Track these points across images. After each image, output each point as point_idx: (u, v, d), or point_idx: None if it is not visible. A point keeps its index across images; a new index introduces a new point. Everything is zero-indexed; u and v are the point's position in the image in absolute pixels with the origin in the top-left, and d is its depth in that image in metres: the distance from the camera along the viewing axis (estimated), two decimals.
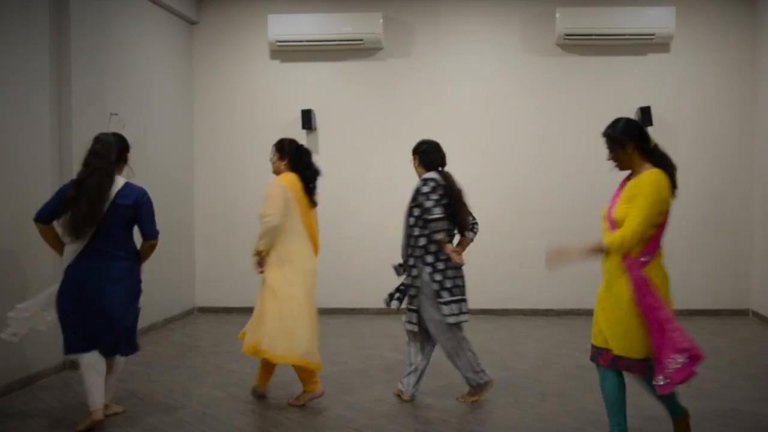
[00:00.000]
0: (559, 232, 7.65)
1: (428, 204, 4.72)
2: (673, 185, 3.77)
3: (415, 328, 4.88)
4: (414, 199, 4.90)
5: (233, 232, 8.31)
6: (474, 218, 4.96)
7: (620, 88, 7.99)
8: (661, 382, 3.52)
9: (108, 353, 4.40)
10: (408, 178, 8.13)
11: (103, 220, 4.26)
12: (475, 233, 4.96)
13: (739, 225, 7.99)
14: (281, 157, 4.93)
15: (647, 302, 3.68)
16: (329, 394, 5.05)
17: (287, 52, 8.18)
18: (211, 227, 8.32)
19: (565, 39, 7.78)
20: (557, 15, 7.69)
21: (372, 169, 8.11)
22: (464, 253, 4.91)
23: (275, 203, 4.69)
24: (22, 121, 5.29)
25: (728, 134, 7.98)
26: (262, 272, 4.85)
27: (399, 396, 4.94)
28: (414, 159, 5.07)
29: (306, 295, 4.76)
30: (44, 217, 4.35)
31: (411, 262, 4.86)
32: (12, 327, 4.52)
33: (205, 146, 8.35)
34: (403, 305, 4.99)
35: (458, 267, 4.78)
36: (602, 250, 3.69)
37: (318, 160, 8.05)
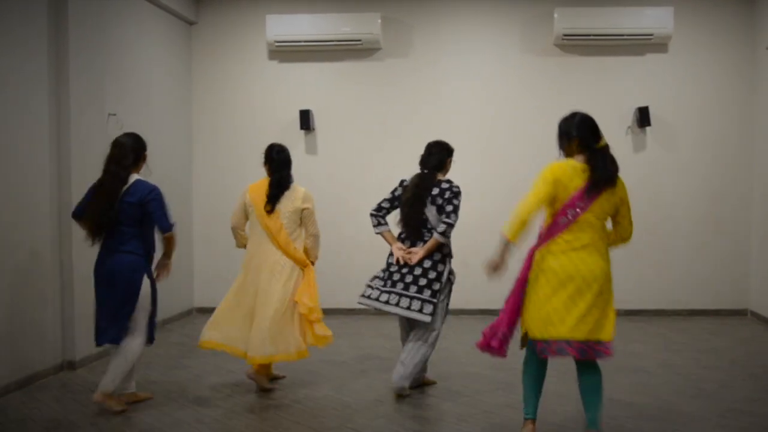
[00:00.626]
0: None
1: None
2: (597, 185, 3.79)
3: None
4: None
5: (231, 232, 8.29)
6: (448, 221, 4.90)
7: (619, 89, 7.99)
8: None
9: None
10: (406, 177, 8.14)
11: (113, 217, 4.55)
12: (442, 233, 4.89)
13: (738, 225, 7.99)
14: (264, 163, 5.19)
15: (522, 274, 3.90)
16: (328, 394, 5.05)
17: (285, 52, 8.18)
18: (210, 227, 8.31)
19: (563, 39, 7.78)
20: (555, 15, 7.69)
21: (371, 169, 8.10)
22: (464, 254, 4.93)
23: (234, 206, 5.23)
24: (21, 121, 5.29)
25: (727, 134, 7.98)
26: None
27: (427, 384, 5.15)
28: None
29: (238, 288, 5.16)
30: (76, 214, 4.72)
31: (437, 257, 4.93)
32: None
33: (203, 146, 8.35)
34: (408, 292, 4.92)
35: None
36: (506, 244, 3.79)
37: (317, 160, 8.16)
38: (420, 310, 4.77)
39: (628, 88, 7.98)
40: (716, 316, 7.91)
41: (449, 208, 4.88)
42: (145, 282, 4.63)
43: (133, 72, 6.94)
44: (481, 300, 7.54)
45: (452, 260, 5.05)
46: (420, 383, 5.16)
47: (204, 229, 8.33)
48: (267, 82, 8.27)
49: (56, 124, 5.68)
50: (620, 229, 4.01)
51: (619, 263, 7.98)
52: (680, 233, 8.04)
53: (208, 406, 4.80)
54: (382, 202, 5.17)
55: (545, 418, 4.28)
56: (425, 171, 5.08)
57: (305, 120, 8.04)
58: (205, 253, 8.34)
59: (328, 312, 7.74)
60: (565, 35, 7.73)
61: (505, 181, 7.97)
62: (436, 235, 4.85)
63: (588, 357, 3.77)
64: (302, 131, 8.13)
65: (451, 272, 5.00)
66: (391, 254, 5.04)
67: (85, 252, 5.81)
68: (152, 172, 4.87)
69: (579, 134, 3.88)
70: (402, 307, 4.82)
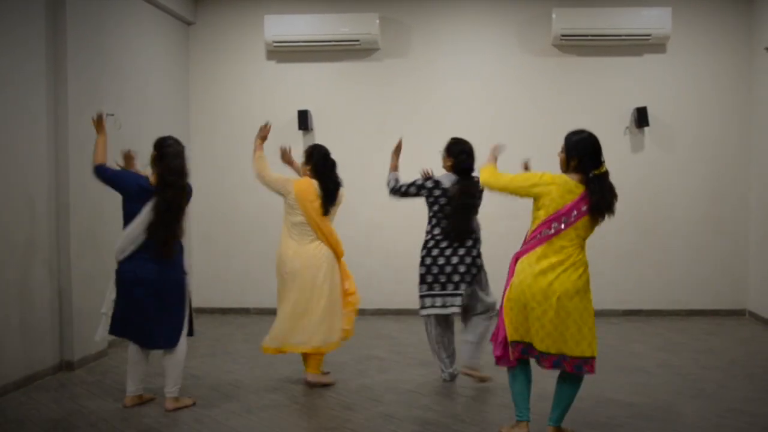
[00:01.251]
0: None
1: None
2: (595, 211, 3.86)
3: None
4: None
5: (230, 232, 8.31)
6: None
7: (617, 89, 7.99)
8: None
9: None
10: (405, 177, 8.13)
11: None
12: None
13: (737, 225, 7.99)
14: (306, 162, 5.27)
15: (507, 280, 4.00)
16: (327, 395, 5.05)
17: (284, 52, 8.17)
18: (208, 228, 8.30)
19: (561, 39, 7.78)
20: (553, 15, 7.69)
21: (370, 169, 8.09)
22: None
23: (277, 176, 5.24)
24: (19, 121, 5.28)
25: (725, 134, 7.98)
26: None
27: (471, 375, 5.16)
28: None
29: (282, 284, 5.21)
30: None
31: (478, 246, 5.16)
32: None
33: (201, 147, 8.34)
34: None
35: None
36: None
37: None
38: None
39: (627, 88, 7.98)
40: (715, 316, 7.91)
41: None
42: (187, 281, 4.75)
43: (131, 72, 6.94)
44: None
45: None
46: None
47: (202, 229, 8.32)
48: (265, 82, 8.26)
49: (54, 124, 5.67)
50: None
51: (618, 263, 8.10)
52: (679, 233, 8.04)
53: (206, 406, 4.80)
54: (410, 188, 5.34)
55: (543, 419, 4.27)
56: (471, 176, 5.20)
57: (303, 120, 8.03)
58: (204, 253, 8.32)
59: None
60: (564, 35, 7.73)
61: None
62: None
63: (563, 369, 3.86)
64: (300, 131, 8.12)
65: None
66: (428, 255, 5.14)
67: (83, 252, 5.83)
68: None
69: (578, 155, 3.90)
70: (458, 306, 5.07)
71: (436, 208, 5.20)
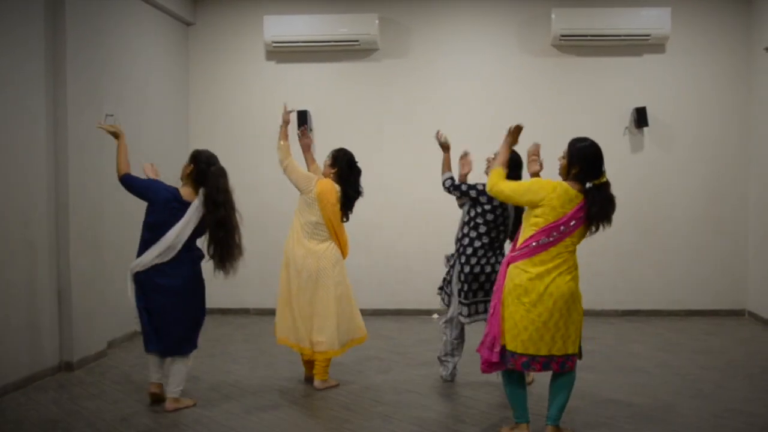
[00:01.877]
0: None
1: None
2: (591, 221, 3.91)
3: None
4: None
5: None
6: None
7: (616, 89, 8.00)
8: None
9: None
10: (403, 177, 8.16)
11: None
12: None
13: (736, 225, 8.00)
14: (332, 165, 5.27)
15: (497, 285, 4.01)
16: (326, 395, 5.05)
17: (283, 53, 8.17)
18: None
19: (560, 40, 7.78)
20: (553, 16, 7.69)
21: (369, 169, 8.02)
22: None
23: (302, 171, 5.21)
24: (18, 121, 5.28)
25: (725, 134, 7.99)
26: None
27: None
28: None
29: (286, 284, 5.21)
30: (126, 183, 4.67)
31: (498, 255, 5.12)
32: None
33: (200, 147, 8.29)
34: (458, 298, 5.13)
35: None
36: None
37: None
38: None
39: (626, 88, 7.99)
40: (714, 317, 7.91)
41: None
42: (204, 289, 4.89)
43: (130, 73, 6.94)
44: None
45: None
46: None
47: None
48: (265, 82, 8.27)
49: (53, 124, 5.67)
50: None
51: (617, 263, 8.10)
52: (678, 233, 8.04)
53: (206, 406, 4.80)
54: (465, 188, 5.25)
55: (542, 420, 4.27)
56: None
57: (303, 120, 8.02)
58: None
59: None
60: (563, 36, 7.73)
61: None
62: None
63: (551, 370, 3.91)
64: (301, 129, 8.11)
65: None
66: (469, 263, 5.04)
67: (82, 253, 5.83)
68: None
69: (579, 163, 3.91)
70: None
71: (473, 214, 5.10)
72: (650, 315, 8.00)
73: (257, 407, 4.80)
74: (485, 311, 5.01)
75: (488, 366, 3.99)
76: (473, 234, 5.05)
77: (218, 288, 8.39)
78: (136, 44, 7.08)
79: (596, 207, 3.85)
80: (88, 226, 5.91)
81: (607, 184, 3.91)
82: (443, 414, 4.65)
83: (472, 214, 5.08)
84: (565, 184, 3.91)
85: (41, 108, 5.54)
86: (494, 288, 4.08)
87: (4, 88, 5.15)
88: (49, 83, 5.62)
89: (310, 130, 8.15)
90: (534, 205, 3.90)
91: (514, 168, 4.85)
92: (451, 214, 7.71)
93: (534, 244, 3.85)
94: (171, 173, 7.74)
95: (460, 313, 5.07)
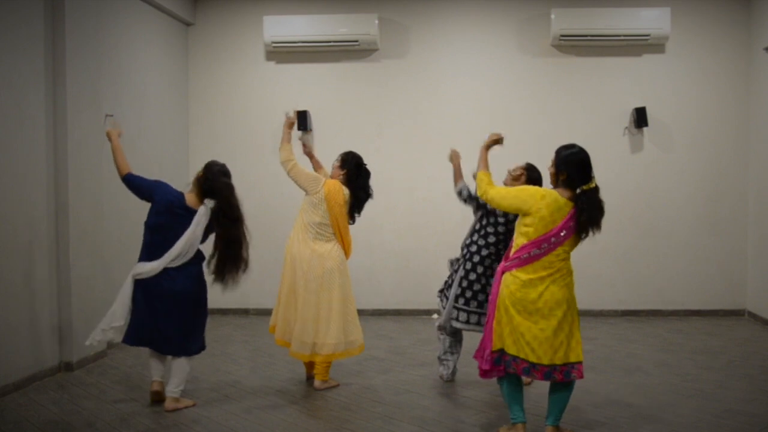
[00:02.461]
0: None
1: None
2: (582, 229, 3.90)
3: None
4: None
5: None
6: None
7: (616, 89, 8.00)
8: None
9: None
10: (403, 178, 8.16)
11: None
12: None
13: (735, 225, 8.00)
14: (341, 167, 5.27)
15: (492, 295, 4.02)
16: (325, 396, 5.05)
17: (283, 53, 8.17)
18: None
19: (560, 40, 7.79)
20: (552, 16, 7.69)
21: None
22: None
23: (308, 172, 5.22)
24: (17, 122, 5.28)
25: (724, 135, 7.99)
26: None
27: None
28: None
29: (289, 284, 5.16)
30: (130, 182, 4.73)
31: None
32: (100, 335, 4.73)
33: (200, 147, 8.33)
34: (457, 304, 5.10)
35: None
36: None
37: None
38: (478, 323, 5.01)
39: (625, 88, 7.99)
40: (713, 317, 7.92)
41: None
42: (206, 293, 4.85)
43: (129, 73, 6.94)
44: None
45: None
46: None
47: None
48: (264, 83, 8.27)
49: (53, 124, 5.66)
50: None
51: (616, 264, 8.09)
52: (677, 234, 8.05)
53: (205, 406, 4.80)
54: (483, 201, 5.11)
55: (541, 420, 4.28)
56: None
57: (302, 121, 8.03)
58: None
59: None
60: (562, 36, 7.73)
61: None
62: None
63: (554, 380, 3.88)
64: (299, 132, 8.13)
65: None
66: (474, 271, 5.02)
67: (82, 253, 5.83)
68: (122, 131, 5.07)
69: (567, 170, 3.89)
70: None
71: (485, 222, 5.05)
72: (650, 315, 8.00)
73: (257, 407, 4.80)
74: (478, 323, 4.97)
75: (483, 373, 4.02)
76: (482, 242, 5.02)
77: (217, 288, 8.41)
78: (136, 44, 7.08)
79: (585, 214, 3.83)
80: (87, 226, 5.91)
81: (595, 189, 3.89)
82: (443, 414, 4.65)
83: (484, 222, 5.05)
84: (555, 193, 3.89)
85: (41, 108, 5.54)
86: (489, 299, 4.09)
87: (4, 88, 5.14)
88: (48, 83, 5.62)
89: (310, 129, 8.16)
90: (523, 213, 3.90)
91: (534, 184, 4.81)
92: (450, 214, 7.74)
93: (525, 255, 3.86)
94: (171, 173, 7.78)
95: (455, 318, 5.04)
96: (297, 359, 5.34)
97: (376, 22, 7.80)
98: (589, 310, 7.76)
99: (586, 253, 8.10)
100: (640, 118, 7.82)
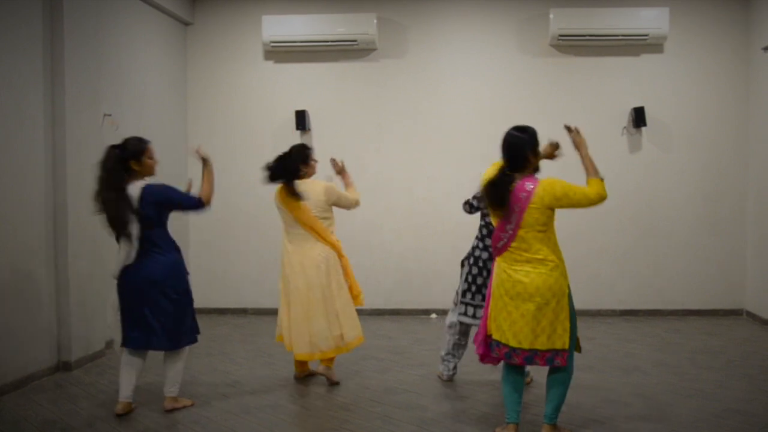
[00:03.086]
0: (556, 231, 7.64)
1: None
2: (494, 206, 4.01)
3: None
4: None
5: (227, 233, 8.31)
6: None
7: (614, 89, 8.00)
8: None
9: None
10: (402, 178, 8.16)
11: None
12: None
13: (734, 225, 8.01)
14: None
15: (490, 281, 4.09)
16: (325, 395, 5.05)
17: (281, 52, 8.17)
18: (206, 228, 8.30)
19: (559, 39, 7.79)
20: (551, 16, 7.69)
21: (367, 169, 8.09)
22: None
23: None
24: (16, 122, 5.27)
25: (723, 134, 7.99)
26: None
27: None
28: None
29: (284, 286, 5.21)
30: None
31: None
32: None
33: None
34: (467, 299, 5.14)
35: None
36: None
37: None
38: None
39: (624, 88, 7.99)
40: (712, 317, 7.92)
41: None
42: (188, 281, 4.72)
43: (128, 73, 6.93)
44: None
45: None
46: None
47: (200, 230, 8.32)
48: (263, 82, 8.26)
49: (51, 124, 5.66)
50: (584, 202, 3.91)
51: (615, 263, 8.09)
52: (676, 233, 8.05)
53: (204, 406, 4.79)
54: (476, 203, 5.21)
55: (536, 420, 4.27)
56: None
57: (301, 120, 8.03)
58: (201, 254, 8.32)
59: None
60: (561, 36, 7.73)
61: None
62: None
63: (536, 364, 3.90)
64: (298, 131, 8.13)
65: None
66: (476, 265, 5.07)
67: (80, 253, 5.83)
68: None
69: (503, 155, 4.02)
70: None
71: (482, 222, 5.14)
72: (648, 315, 8.01)
73: (255, 407, 4.79)
74: (473, 316, 5.05)
75: (480, 357, 4.07)
76: (485, 240, 5.06)
77: (216, 288, 8.43)
78: (135, 44, 7.08)
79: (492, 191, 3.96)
80: (86, 226, 5.90)
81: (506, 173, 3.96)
82: (442, 414, 4.64)
83: (482, 222, 5.15)
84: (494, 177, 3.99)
85: (39, 108, 5.53)
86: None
87: (3, 88, 5.14)
88: (47, 83, 5.62)
89: (309, 129, 8.16)
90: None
91: None
92: (450, 214, 7.73)
93: (499, 244, 3.94)
94: (169, 172, 7.76)
95: (463, 313, 5.08)
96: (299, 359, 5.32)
97: (375, 21, 7.80)
98: (587, 310, 7.76)
99: (585, 252, 8.18)
100: (638, 117, 7.82)
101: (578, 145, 4.02)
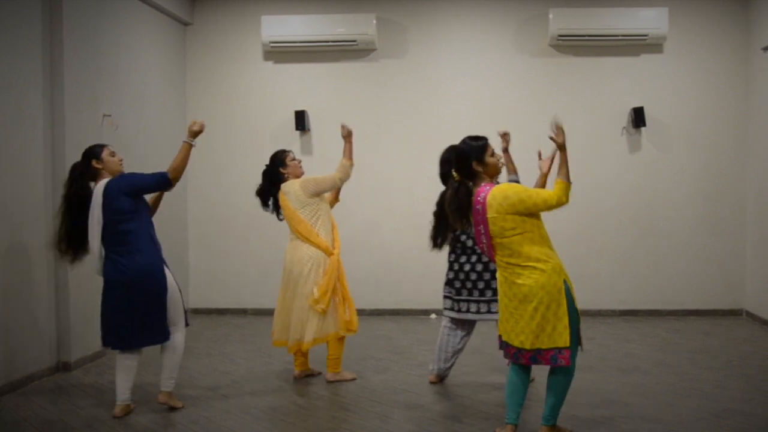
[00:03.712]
0: (555, 231, 7.62)
1: None
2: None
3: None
4: None
5: (227, 233, 8.30)
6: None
7: (614, 89, 8.00)
8: None
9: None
10: (402, 178, 8.16)
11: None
12: None
13: (734, 225, 8.00)
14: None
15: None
16: (323, 395, 5.05)
17: (281, 53, 8.17)
18: (205, 228, 8.30)
19: (558, 40, 7.79)
20: (551, 16, 7.69)
21: (366, 169, 8.09)
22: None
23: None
24: (15, 122, 5.28)
25: (722, 134, 7.99)
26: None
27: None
28: None
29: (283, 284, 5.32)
30: None
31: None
32: None
33: (198, 147, 8.24)
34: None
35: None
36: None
37: (312, 161, 8.16)
38: (489, 311, 5.06)
39: (623, 88, 7.99)
40: (712, 317, 7.92)
41: None
42: (168, 275, 4.61)
43: (128, 73, 6.93)
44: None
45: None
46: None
47: (199, 229, 8.32)
48: (262, 82, 8.26)
49: (51, 125, 5.66)
50: (542, 207, 3.94)
51: (615, 264, 8.09)
52: (676, 234, 8.05)
53: (203, 407, 4.79)
54: None
55: (538, 420, 4.27)
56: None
57: (300, 120, 8.03)
58: (201, 254, 8.33)
59: None
60: (560, 36, 7.73)
61: (501, 181, 7.98)
62: None
63: (540, 364, 3.92)
64: (297, 132, 8.13)
65: None
66: (454, 261, 5.18)
67: None
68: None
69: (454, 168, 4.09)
70: (482, 312, 5.08)
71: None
72: (648, 315, 8.01)
73: (255, 407, 4.79)
74: (468, 311, 5.09)
75: (504, 354, 4.10)
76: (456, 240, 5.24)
77: (216, 288, 8.43)
78: (134, 44, 7.08)
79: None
80: None
81: (457, 181, 4.03)
82: (441, 414, 4.64)
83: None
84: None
85: (39, 108, 5.54)
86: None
87: (3, 88, 5.14)
88: (46, 83, 5.62)
89: (308, 130, 8.16)
90: None
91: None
92: None
93: (486, 254, 4.03)
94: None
95: (446, 307, 5.20)
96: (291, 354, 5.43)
97: (374, 21, 7.80)
98: (587, 310, 7.76)
99: (585, 252, 8.18)
100: (638, 118, 7.82)
101: (561, 145, 4.02)
